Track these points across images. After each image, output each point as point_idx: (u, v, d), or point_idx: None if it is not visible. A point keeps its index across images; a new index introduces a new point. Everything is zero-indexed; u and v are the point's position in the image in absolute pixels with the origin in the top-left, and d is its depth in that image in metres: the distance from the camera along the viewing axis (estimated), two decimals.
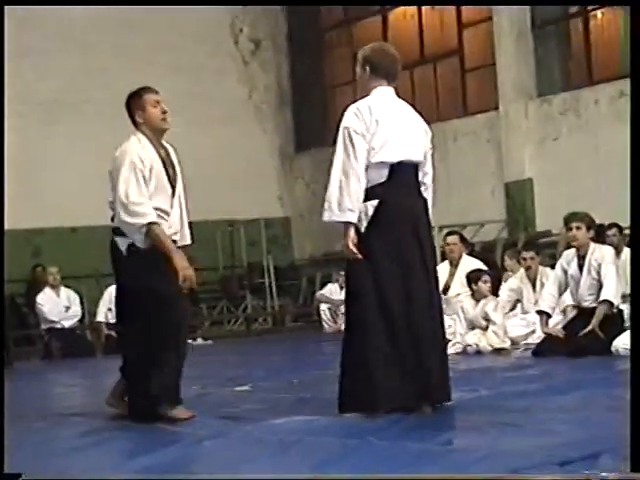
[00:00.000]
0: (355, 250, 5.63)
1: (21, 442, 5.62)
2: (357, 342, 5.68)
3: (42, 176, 16.86)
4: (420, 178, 5.90)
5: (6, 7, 10.07)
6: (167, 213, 6.13)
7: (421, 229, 5.76)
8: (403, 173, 5.75)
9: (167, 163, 6.18)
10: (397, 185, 5.72)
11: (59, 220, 16.95)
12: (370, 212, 5.67)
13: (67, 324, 14.05)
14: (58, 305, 14.07)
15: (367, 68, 5.90)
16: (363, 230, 5.69)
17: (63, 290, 14.24)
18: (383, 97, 5.84)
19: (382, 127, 5.69)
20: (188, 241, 6.41)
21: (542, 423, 5.16)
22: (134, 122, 6.30)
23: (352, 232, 5.65)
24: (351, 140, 5.65)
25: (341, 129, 5.71)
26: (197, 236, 19.97)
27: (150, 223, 5.90)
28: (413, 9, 17.78)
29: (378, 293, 5.65)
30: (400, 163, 5.72)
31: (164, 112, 6.22)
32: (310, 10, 19.30)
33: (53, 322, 13.95)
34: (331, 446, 4.82)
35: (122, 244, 6.06)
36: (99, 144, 17.23)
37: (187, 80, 17.77)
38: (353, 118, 5.72)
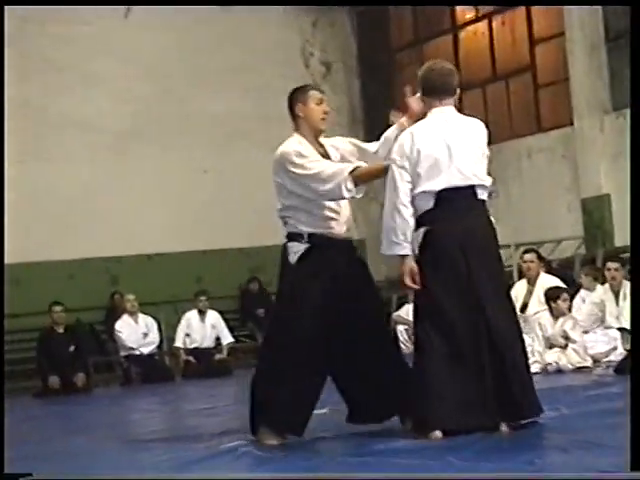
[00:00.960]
0: (409, 283, 5.68)
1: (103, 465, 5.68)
2: (424, 364, 5.65)
3: (117, 204, 17.03)
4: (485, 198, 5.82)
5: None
6: (337, 212, 6.07)
7: (472, 252, 5.66)
8: (452, 198, 5.68)
9: (325, 157, 6.10)
10: (445, 211, 5.67)
11: (135, 248, 17.11)
12: (420, 239, 5.69)
13: (145, 350, 14.18)
14: (136, 332, 14.21)
15: (419, 90, 5.90)
16: (417, 256, 5.71)
17: (141, 317, 14.38)
18: (434, 121, 5.78)
19: (424, 155, 5.66)
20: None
21: (625, 442, 5.05)
22: (293, 116, 6.19)
23: (407, 264, 5.69)
24: (393, 172, 5.69)
25: (390, 167, 5.75)
26: (273, 260, 19.98)
27: (352, 170, 5.79)
28: (484, 26, 17.69)
29: (438, 317, 5.63)
30: (447, 189, 5.67)
31: (325, 112, 6.11)
32: (380, 30, 19.31)
33: (132, 349, 14.08)
34: (413, 468, 4.79)
35: (293, 250, 6.07)
36: (174, 171, 17.49)
37: (257, 102, 17.87)
38: (396, 149, 5.76)
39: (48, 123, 16.40)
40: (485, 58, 17.57)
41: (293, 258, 6.05)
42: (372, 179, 5.94)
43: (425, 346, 5.65)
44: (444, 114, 5.80)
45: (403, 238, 5.64)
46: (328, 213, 6.00)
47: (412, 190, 5.68)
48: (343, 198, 5.90)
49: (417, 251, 5.70)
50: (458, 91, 5.91)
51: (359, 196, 5.89)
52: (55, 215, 16.18)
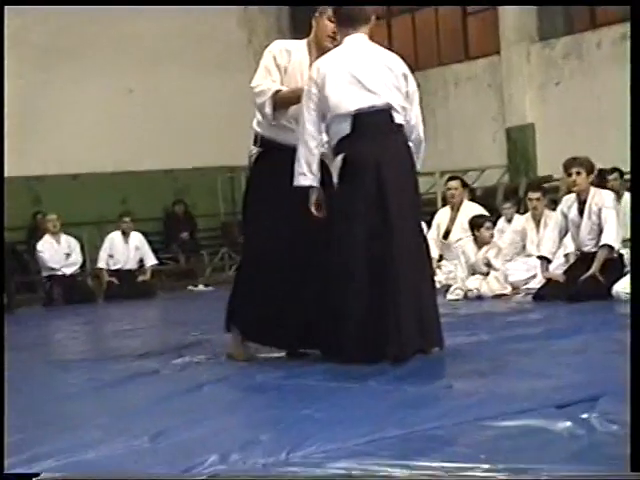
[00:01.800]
0: (316, 212, 5.70)
1: (23, 389, 5.66)
2: (339, 292, 5.66)
3: (42, 122, 16.78)
4: (402, 122, 5.79)
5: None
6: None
7: (389, 177, 5.62)
8: (367, 122, 5.65)
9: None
10: (361, 136, 5.65)
11: (59, 167, 16.91)
12: (338, 165, 5.67)
13: (68, 271, 14.09)
14: (58, 252, 14.09)
15: (333, 19, 5.85)
16: (336, 184, 5.69)
17: (63, 237, 14.26)
18: (344, 48, 5.76)
19: (332, 79, 5.64)
20: None
21: (542, 367, 5.17)
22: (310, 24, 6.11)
23: (312, 195, 5.70)
24: (302, 104, 5.70)
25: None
26: (196, 183, 20.03)
27: (274, 93, 5.83)
28: None
29: (351, 244, 5.61)
30: (362, 113, 5.63)
31: (334, 32, 5.92)
32: None
33: (54, 269, 13.97)
34: (334, 390, 4.85)
35: (249, 154, 6.11)
36: (99, 89, 17.24)
37: (189, 22, 17.65)
38: (308, 81, 5.76)
39: None
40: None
41: (250, 161, 6.10)
42: (293, 102, 5.88)
43: (338, 274, 5.63)
44: (355, 41, 5.77)
45: (307, 169, 5.64)
46: (285, 122, 5.95)
47: (325, 117, 5.67)
48: (264, 115, 5.88)
49: (335, 180, 5.68)
50: (373, 19, 5.86)
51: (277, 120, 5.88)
52: None
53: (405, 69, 5.83)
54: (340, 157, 5.66)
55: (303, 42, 6.08)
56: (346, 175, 5.64)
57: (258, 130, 6.06)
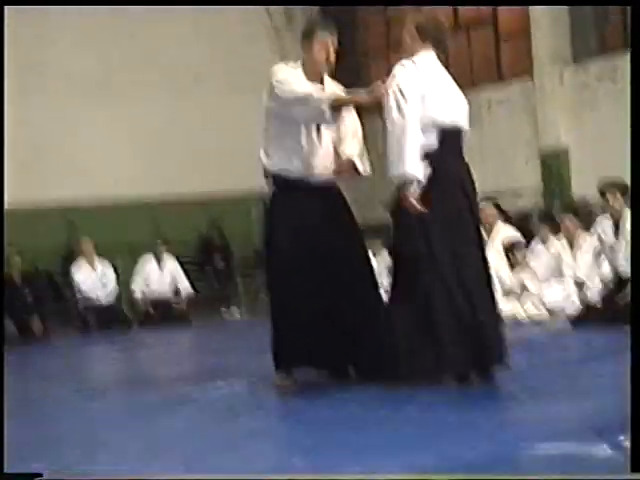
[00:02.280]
0: (417, 205, 5.52)
1: (57, 416, 5.67)
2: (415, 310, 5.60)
3: (75, 150, 16.91)
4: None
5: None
6: (313, 148, 5.95)
7: (470, 193, 5.73)
8: (452, 140, 5.68)
9: None
10: (447, 151, 5.64)
11: (93, 195, 17.02)
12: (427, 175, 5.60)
13: (103, 298, 14.11)
14: (93, 279, 14.13)
15: (415, 33, 5.79)
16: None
17: (99, 264, 14.29)
18: (428, 59, 5.76)
19: (431, 86, 5.63)
20: None
21: (580, 392, 5.13)
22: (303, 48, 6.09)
23: (414, 187, 5.54)
24: (403, 96, 5.55)
25: (391, 91, 5.58)
26: (231, 210, 19.88)
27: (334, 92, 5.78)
28: None
29: (431, 259, 5.57)
30: (449, 128, 5.65)
31: (327, 57, 5.95)
32: None
33: (89, 297, 14.01)
34: (375, 417, 4.82)
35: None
36: (131, 118, 17.35)
37: (218, 50, 17.78)
38: (401, 74, 5.63)
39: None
40: (447, 7, 17.50)
41: (266, 202, 6.02)
42: (352, 104, 5.85)
43: (412, 290, 5.59)
44: (431, 58, 5.78)
45: (418, 160, 5.52)
46: (301, 147, 5.88)
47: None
48: (322, 121, 5.79)
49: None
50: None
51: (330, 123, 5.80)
52: (19, 160, 16.00)
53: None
54: (429, 168, 5.59)
55: (295, 64, 6.01)
56: (433, 188, 5.58)
57: (266, 162, 5.95)
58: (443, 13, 17.18)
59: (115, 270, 14.72)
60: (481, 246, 5.84)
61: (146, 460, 4.09)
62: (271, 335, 6.00)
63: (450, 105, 5.69)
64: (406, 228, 5.62)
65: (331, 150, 6.02)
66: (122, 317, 14.44)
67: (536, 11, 15.70)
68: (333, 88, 6.06)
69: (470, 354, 5.50)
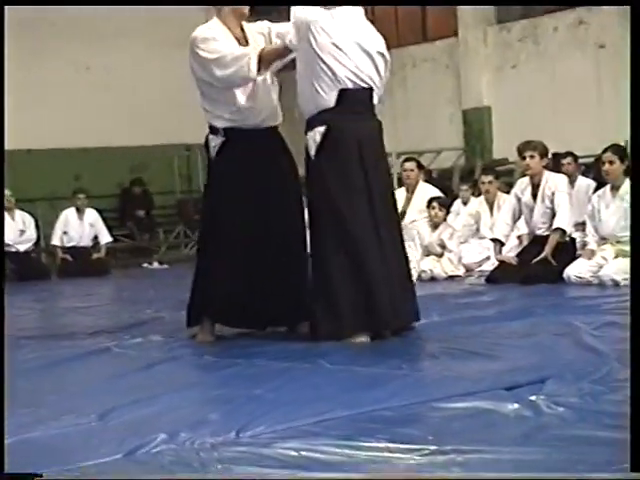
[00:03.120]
0: None
1: None
2: (321, 267, 5.66)
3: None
4: (375, 102, 5.85)
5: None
6: (253, 100, 5.92)
7: (368, 154, 5.69)
8: (353, 98, 5.64)
9: (242, 42, 5.95)
10: (345, 110, 5.62)
11: (14, 142, 16.74)
12: (318, 139, 5.63)
13: (22, 247, 13.96)
14: (12, 228, 13.96)
15: None
16: (313, 156, 5.66)
17: (18, 213, 14.12)
18: (344, 13, 5.67)
19: (340, 41, 5.57)
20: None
21: (492, 349, 5.21)
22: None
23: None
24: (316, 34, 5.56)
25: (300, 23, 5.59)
26: (154, 160, 19.94)
27: (259, 55, 5.71)
28: None
29: (332, 218, 5.62)
30: (349, 88, 5.62)
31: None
32: None
33: (8, 245, 13.85)
34: (286, 370, 4.87)
35: (211, 144, 6.00)
36: (55, 65, 17.09)
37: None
38: (311, 10, 5.60)
39: None
40: None
41: (212, 152, 6.01)
42: (276, 58, 5.84)
43: (327, 249, 5.63)
44: (349, 11, 5.71)
45: None
46: (242, 102, 5.88)
47: (311, 78, 5.59)
48: (248, 80, 5.78)
49: (313, 151, 5.64)
50: None
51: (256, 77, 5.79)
52: None
53: (386, 51, 5.85)
54: (322, 128, 5.61)
55: (214, 22, 5.96)
56: (329, 147, 5.60)
57: (217, 124, 5.95)
58: None
59: (35, 219, 14.57)
60: (389, 203, 5.87)
61: (60, 412, 4.09)
62: (191, 288, 6.04)
63: (356, 64, 5.62)
64: (313, 179, 5.69)
65: (272, 97, 6.02)
66: (41, 267, 14.33)
67: None
68: (254, 34, 6.04)
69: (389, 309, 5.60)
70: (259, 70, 5.69)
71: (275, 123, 6.08)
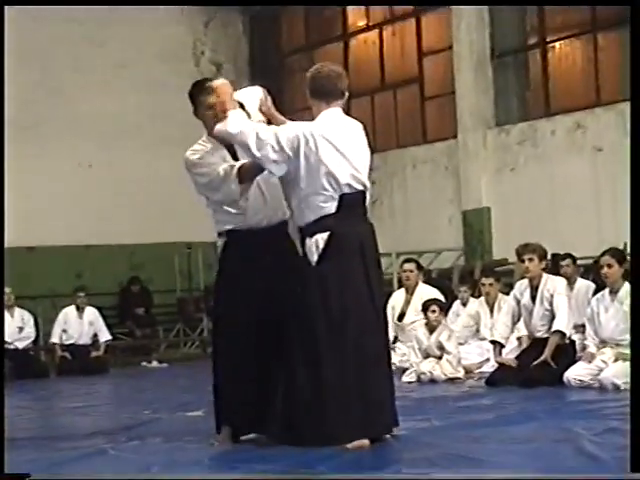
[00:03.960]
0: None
1: None
2: (305, 374, 5.62)
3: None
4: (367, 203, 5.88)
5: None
6: (255, 203, 5.95)
7: (369, 259, 5.72)
8: (351, 202, 5.68)
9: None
10: (346, 216, 5.66)
11: (15, 240, 16.82)
12: (320, 245, 5.64)
13: (20, 345, 13.91)
14: (11, 326, 13.92)
15: (308, 93, 5.81)
16: (314, 262, 5.67)
17: (17, 311, 14.11)
18: (328, 122, 5.69)
19: (325, 154, 5.59)
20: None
21: (492, 455, 5.18)
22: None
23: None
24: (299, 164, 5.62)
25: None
26: (154, 258, 19.88)
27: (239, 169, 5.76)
28: (374, 35, 17.89)
29: (329, 324, 5.61)
30: (348, 192, 5.65)
31: (215, 116, 5.84)
32: (272, 34, 19.41)
33: (6, 343, 13.80)
34: (279, 474, 4.83)
35: (218, 246, 6.11)
36: (57, 164, 17.26)
37: (147, 99, 17.81)
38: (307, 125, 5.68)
39: None
40: (374, 67, 17.77)
41: (219, 254, 6.08)
42: (255, 175, 5.85)
43: (311, 356, 5.58)
44: (335, 116, 5.75)
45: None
46: (239, 209, 5.90)
47: (309, 186, 5.60)
48: (233, 201, 5.83)
49: (315, 257, 5.64)
50: (346, 94, 5.85)
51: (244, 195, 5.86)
52: None
53: (367, 149, 5.89)
54: (325, 235, 5.63)
55: (203, 138, 6.01)
56: (333, 253, 5.61)
57: (220, 227, 6.00)
58: (370, 72, 17.50)
59: (35, 316, 14.56)
60: (380, 307, 5.88)
61: None
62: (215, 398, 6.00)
63: (346, 168, 5.64)
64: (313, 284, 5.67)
65: (273, 194, 5.99)
66: (39, 365, 14.26)
67: (461, 73, 16.00)
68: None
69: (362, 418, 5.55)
70: (241, 183, 5.75)
71: (278, 219, 6.04)
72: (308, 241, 5.68)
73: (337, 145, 5.65)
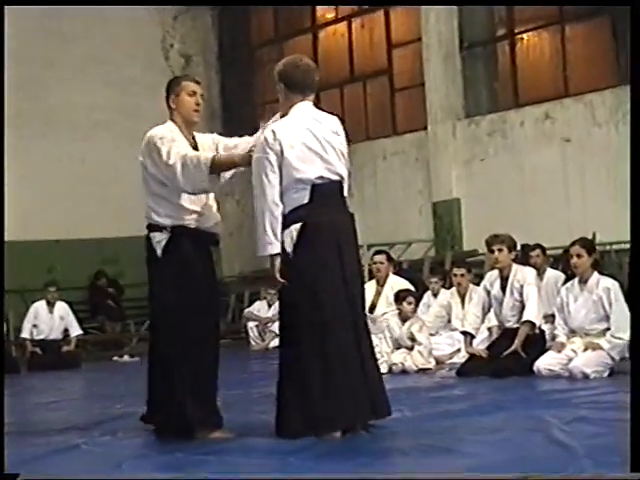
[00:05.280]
0: (281, 280, 5.66)
1: None
2: (296, 362, 5.64)
3: None
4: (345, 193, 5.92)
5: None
6: (201, 205, 6.02)
7: (344, 247, 5.75)
8: (324, 192, 5.71)
9: (192, 147, 6.03)
10: (319, 205, 5.69)
11: None
12: (295, 235, 5.66)
13: None
14: None
15: (282, 85, 5.83)
16: (290, 253, 5.69)
17: None
18: (299, 116, 5.76)
19: (293, 146, 5.64)
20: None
21: (463, 444, 5.22)
22: (168, 107, 6.16)
23: (277, 262, 5.66)
24: (260, 168, 5.65)
25: (253, 161, 5.71)
26: (127, 251, 19.86)
27: (213, 158, 5.75)
28: (343, 27, 17.91)
29: (311, 314, 5.63)
30: (320, 183, 5.69)
31: (197, 104, 6.07)
32: (241, 27, 19.39)
33: None
34: (256, 466, 4.85)
35: (155, 241, 5.99)
36: (28, 158, 17.18)
37: (118, 94, 17.77)
38: (259, 144, 5.73)
39: None
40: (343, 59, 17.81)
41: (158, 249, 5.99)
42: (229, 167, 5.92)
43: (296, 344, 5.63)
44: (308, 109, 5.81)
45: (274, 237, 5.61)
46: (189, 205, 5.95)
47: (282, 183, 5.64)
48: (202, 190, 5.85)
49: (290, 248, 5.66)
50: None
51: (212, 190, 5.93)
52: None
53: (341, 128, 5.92)
54: (299, 225, 5.65)
55: (169, 124, 6.07)
56: (306, 243, 5.64)
57: (163, 221, 5.97)
58: (339, 64, 17.51)
59: (5, 312, 14.51)
60: (361, 296, 5.94)
61: None
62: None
63: (316, 162, 5.69)
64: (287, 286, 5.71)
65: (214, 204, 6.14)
66: (10, 361, 14.20)
67: (430, 65, 16.05)
68: (204, 142, 6.15)
69: (356, 406, 5.60)
70: (211, 173, 5.76)
71: (217, 231, 6.17)
72: (285, 233, 5.69)
73: (305, 141, 5.69)
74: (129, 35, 18.08)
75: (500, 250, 9.06)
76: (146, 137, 6.04)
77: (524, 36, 15.69)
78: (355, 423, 5.67)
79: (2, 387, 4.69)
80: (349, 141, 6.03)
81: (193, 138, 6.14)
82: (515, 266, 9.18)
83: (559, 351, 8.56)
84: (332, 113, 5.99)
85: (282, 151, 5.64)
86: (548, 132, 14.82)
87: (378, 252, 11.80)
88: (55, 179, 17.42)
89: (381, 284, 11.34)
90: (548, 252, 11.90)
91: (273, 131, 5.69)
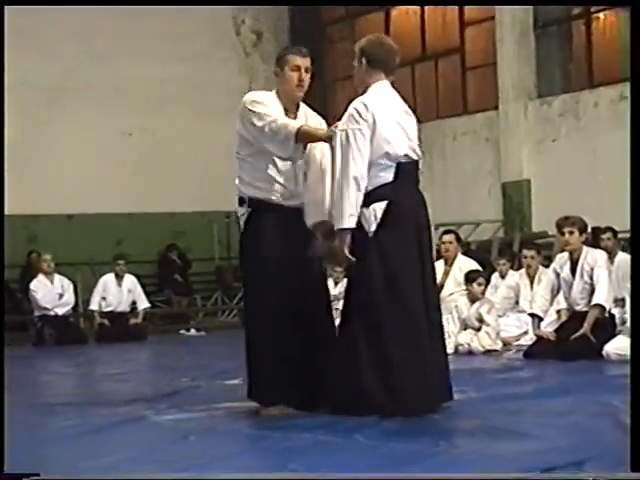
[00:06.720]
0: (350, 256, 5.59)
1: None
2: (372, 343, 5.59)
3: (40, 162, 16.85)
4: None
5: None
6: (284, 178, 5.90)
7: (421, 228, 5.75)
8: (407, 171, 5.70)
9: (290, 116, 5.93)
10: (403, 185, 5.67)
11: (55, 207, 16.95)
12: (379, 214, 5.61)
13: (60, 311, 14.06)
14: (51, 292, 14.07)
15: (364, 61, 5.80)
16: (372, 232, 5.63)
17: (57, 277, 14.24)
18: (382, 93, 5.76)
19: (382, 122, 5.62)
20: None
21: (529, 427, 5.17)
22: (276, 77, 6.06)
23: (347, 238, 5.59)
24: (349, 139, 5.57)
25: (338, 133, 5.62)
26: (193, 226, 20.05)
27: (299, 128, 5.68)
28: (415, 6, 17.77)
29: (391, 294, 5.59)
30: (404, 162, 5.68)
31: (300, 79, 5.88)
32: (312, 4, 19.34)
33: (46, 309, 13.95)
34: (321, 444, 4.84)
35: (239, 215, 5.96)
36: (99, 131, 17.33)
37: (189, 69, 17.83)
38: (348, 117, 5.65)
39: None
40: (415, 37, 17.66)
41: (241, 223, 5.97)
42: (313, 140, 5.83)
43: (374, 326, 5.58)
44: (388, 88, 5.80)
45: (356, 210, 5.55)
46: (276, 175, 5.85)
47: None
48: (287, 155, 5.77)
49: (374, 226, 5.61)
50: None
51: (297, 158, 5.83)
52: None
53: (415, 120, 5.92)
54: (383, 203, 5.62)
55: (272, 94, 5.98)
56: (391, 223, 5.60)
57: (245, 192, 5.91)
58: (411, 42, 17.39)
59: (74, 284, 14.68)
60: (433, 277, 5.91)
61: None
62: (247, 369, 5.99)
63: (403, 138, 5.69)
64: (364, 264, 5.63)
65: (315, 199, 5.96)
66: (79, 332, 14.40)
67: (503, 44, 15.87)
68: (309, 116, 6.05)
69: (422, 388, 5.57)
70: (296, 142, 5.70)
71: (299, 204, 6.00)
72: (365, 211, 5.63)
73: (394, 116, 5.68)
74: (200, 10, 18.09)
75: (571, 232, 8.93)
76: (243, 99, 5.94)
77: (600, 15, 15.43)
78: (430, 406, 5.64)
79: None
80: (419, 121, 6.01)
81: (294, 112, 5.99)
82: (586, 249, 9.06)
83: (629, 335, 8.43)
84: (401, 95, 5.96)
85: (375, 122, 5.60)
86: (622, 113, 14.56)
87: (447, 232, 11.72)
88: (126, 153, 17.54)
89: (449, 264, 11.26)
90: (619, 235, 11.72)
91: (364, 104, 5.65)
